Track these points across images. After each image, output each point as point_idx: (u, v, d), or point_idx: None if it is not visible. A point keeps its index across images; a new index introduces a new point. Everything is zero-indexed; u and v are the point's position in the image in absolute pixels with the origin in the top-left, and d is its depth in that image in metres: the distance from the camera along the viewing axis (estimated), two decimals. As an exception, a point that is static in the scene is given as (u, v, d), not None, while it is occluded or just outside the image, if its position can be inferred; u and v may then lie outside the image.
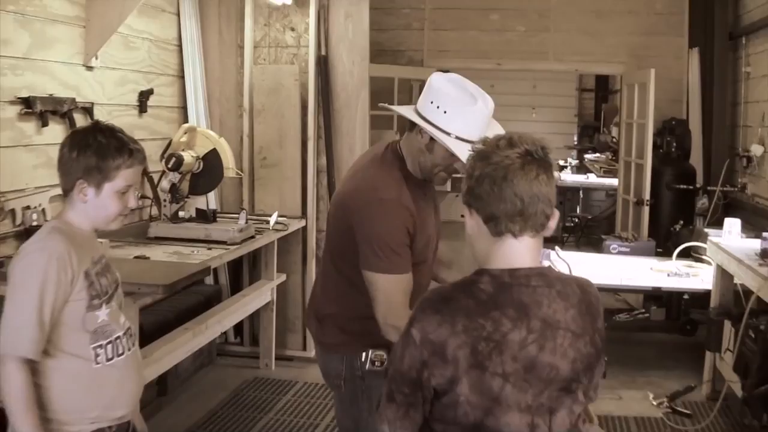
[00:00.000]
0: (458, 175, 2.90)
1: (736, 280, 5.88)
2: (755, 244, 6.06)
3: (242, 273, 7.15)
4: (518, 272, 2.23)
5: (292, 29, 7.05)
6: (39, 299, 2.75)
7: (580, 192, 13.67)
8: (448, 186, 10.97)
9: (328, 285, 3.48)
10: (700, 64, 9.50)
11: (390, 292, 3.12)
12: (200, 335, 5.34)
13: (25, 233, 5.04)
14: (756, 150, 8.09)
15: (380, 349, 3.25)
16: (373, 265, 3.14)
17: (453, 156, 3.16)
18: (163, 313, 5.88)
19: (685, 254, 7.02)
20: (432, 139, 3.18)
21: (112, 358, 2.97)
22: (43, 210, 5.25)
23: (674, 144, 9.12)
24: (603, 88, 19.86)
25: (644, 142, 9.02)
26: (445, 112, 3.14)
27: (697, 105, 9.55)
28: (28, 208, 5.13)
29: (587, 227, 12.92)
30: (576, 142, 20.32)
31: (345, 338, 3.39)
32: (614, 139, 17.03)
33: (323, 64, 7.01)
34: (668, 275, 6.74)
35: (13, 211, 5.03)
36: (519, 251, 2.26)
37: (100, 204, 2.95)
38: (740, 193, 8.52)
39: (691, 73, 9.63)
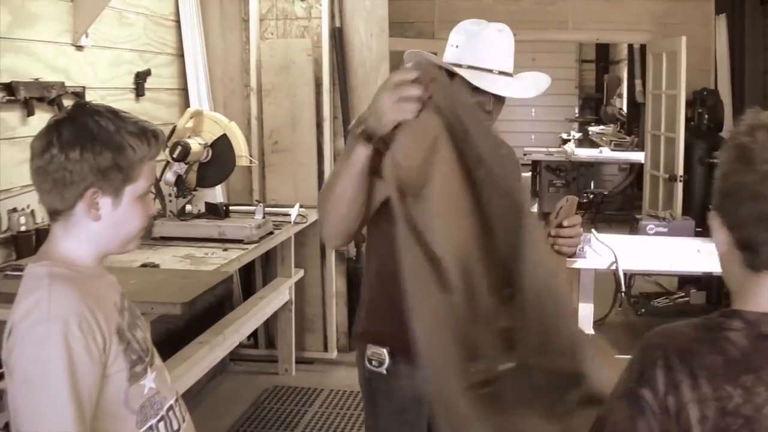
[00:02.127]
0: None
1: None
2: None
3: (254, 270, 6.54)
4: None
5: (302, -1, 6.41)
6: (71, 393, 1.89)
7: (593, 167, 13.08)
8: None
9: None
10: (728, 31, 9.01)
11: None
12: (217, 348, 4.71)
13: (13, 241, 4.44)
14: (788, 123, 7.52)
15: (379, 345, 2.80)
16: None
17: (475, 91, 2.77)
18: (173, 320, 5.21)
19: (726, 233, 6.55)
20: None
21: None
22: (32, 212, 4.61)
23: (706, 116, 8.66)
24: (604, 58, 19.71)
25: (675, 115, 8.49)
26: (456, 46, 2.90)
27: (726, 74, 9.04)
28: (14, 210, 4.50)
29: (602, 203, 12.48)
30: (577, 115, 19.97)
31: (356, 329, 3.04)
32: (621, 111, 16.63)
33: (338, 37, 6.41)
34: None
35: (-3, 216, 4.37)
36: None
37: (120, 218, 2.09)
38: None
39: (718, 40, 9.10)
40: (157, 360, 2.24)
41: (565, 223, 2.68)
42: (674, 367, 1.61)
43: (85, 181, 2.02)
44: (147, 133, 2.10)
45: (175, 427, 2.21)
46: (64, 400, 1.88)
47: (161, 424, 2.15)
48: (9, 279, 3.97)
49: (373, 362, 2.80)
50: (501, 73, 2.85)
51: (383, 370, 2.78)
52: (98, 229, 2.09)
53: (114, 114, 2.08)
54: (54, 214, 2.10)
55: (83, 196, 2.04)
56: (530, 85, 2.92)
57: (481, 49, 2.86)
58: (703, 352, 1.62)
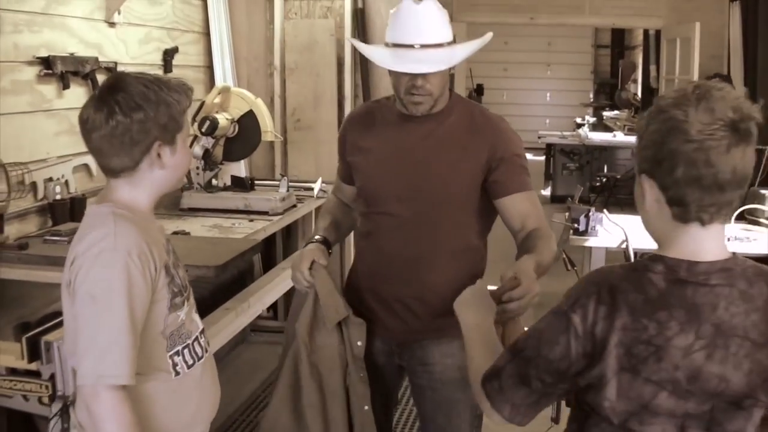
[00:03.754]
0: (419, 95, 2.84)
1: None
2: None
3: (275, 244, 6.70)
4: (698, 267, 1.88)
5: (325, -20, 6.58)
6: (128, 311, 2.20)
7: (606, 151, 13.20)
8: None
9: None
10: (742, 17, 9.11)
11: None
12: (243, 314, 4.86)
13: (49, 208, 4.62)
14: (803, 108, 7.66)
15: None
16: None
17: (408, 76, 2.83)
18: (198, 291, 5.40)
19: (739, 217, 6.65)
20: None
21: (192, 364, 2.45)
22: (66, 182, 4.80)
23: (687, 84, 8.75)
24: (619, 44, 19.72)
25: (689, 100, 8.62)
26: (388, 25, 2.93)
27: (740, 61, 9.16)
28: (50, 180, 4.67)
29: (615, 187, 12.58)
30: (592, 99, 20.08)
31: None
32: (636, 96, 16.73)
33: (360, 18, 6.55)
34: (728, 240, 6.32)
35: (34, 184, 4.56)
36: (705, 241, 1.90)
37: (177, 162, 2.39)
38: (789, 150, 8.12)
39: (732, 27, 9.22)
40: (192, 299, 2.53)
41: (504, 298, 2.63)
42: (604, 300, 1.87)
43: (150, 137, 2.28)
44: (184, 87, 2.38)
45: (199, 354, 2.49)
46: (122, 313, 2.18)
47: (186, 351, 2.43)
48: (48, 243, 4.19)
49: None
50: (423, 46, 2.79)
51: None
52: (162, 175, 2.37)
53: (152, 77, 2.36)
54: (118, 171, 2.34)
55: (150, 150, 2.30)
56: (438, 58, 2.82)
57: (400, 25, 2.84)
58: (628, 289, 1.87)
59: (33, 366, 3.10)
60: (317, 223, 3.28)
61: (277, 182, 5.70)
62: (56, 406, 3.02)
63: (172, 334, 2.39)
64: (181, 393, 2.42)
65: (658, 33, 10.80)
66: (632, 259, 5.88)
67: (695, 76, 8.51)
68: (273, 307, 6.72)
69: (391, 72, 2.90)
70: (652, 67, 13.09)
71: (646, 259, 1.94)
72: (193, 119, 5.41)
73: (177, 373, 2.39)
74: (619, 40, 19.53)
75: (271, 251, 6.73)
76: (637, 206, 2.01)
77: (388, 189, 3.02)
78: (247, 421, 5.17)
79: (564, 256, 5.32)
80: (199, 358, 2.49)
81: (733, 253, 1.94)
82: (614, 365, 1.86)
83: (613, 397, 1.88)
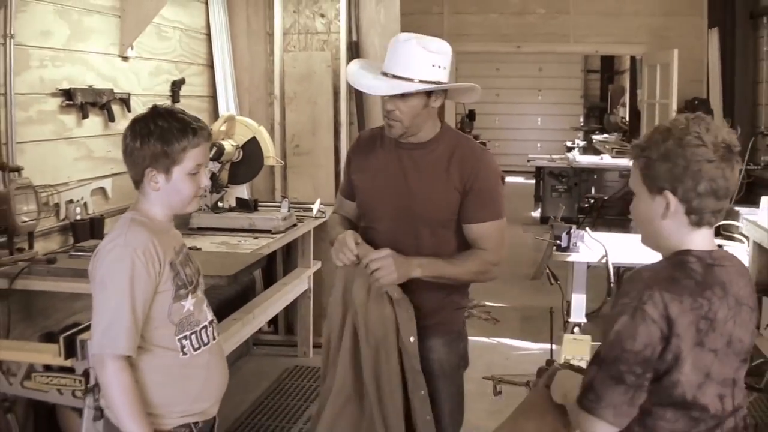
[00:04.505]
0: (390, 120, 3.28)
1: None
2: None
3: (275, 262, 7.09)
4: (714, 254, 2.35)
5: (322, 15, 6.98)
6: (130, 295, 2.68)
7: (594, 173, 13.59)
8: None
9: None
10: (720, 43, 9.56)
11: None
12: (248, 325, 5.29)
13: (71, 227, 5.02)
14: (779, 128, 8.11)
15: None
16: None
17: (383, 99, 3.30)
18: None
19: (715, 233, 7.00)
20: None
21: (198, 348, 2.90)
22: (85, 204, 5.19)
23: (676, 116, 9.11)
24: (608, 68, 19.99)
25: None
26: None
27: (718, 84, 9.59)
28: (71, 201, 5.07)
29: (602, 208, 12.95)
30: (582, 123, 20.42)
31: None
32: (624, 120, 17.11)
33: (354, 50, 6.94)
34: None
35: (57, 206, 4.97)
36: (707, 238, 2.37)
37: (172, 189, 2.84)
38: (764, 171, 8.52)
39: (710, 52, 9.64)
40: (200, 292, 3.00)
41: (364, 261, 3.23)
42: (667, 288, 2.22)
43: (144, 163, 2.80)
44: (188, 128, 2.81)
45: (206, 341, 2.95)
46: (124, 297, 2.68)
47: (193, 336, 2.89)
48: (73, 258, 4.61)
49: None
50: (394, 76, 3.22)
51: None
52: (159, 196, 2.86)
53: (170, 114, 2.87)
54: (135, 183, 2.89)
55: (144, 173, 2.82)
56: (390, 86, 3.23)
57: (388, 56, 3.30)
58: (681, 277, 2.25)
59: (68, 363, 3.52)
60: (330, 230, 3.63)
61: (279, 203, 6.11)
62: (89, 398, 3.42)
63: (181, 321, 2.86)
64: (188, 371, 2.87)
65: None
66: (612, 274, 6.31)
67: (674, 101, 8.91)
68: (273, 321, 7.12)
69: (381, 99, 3.37)
70: (640, 91, 13.49)
71: (677, 254, 2.32)
72: (209, 135, 5.82)
73: (184, 354, 2.86)
74: (608, 65, 19.85)
75: (271, 269, 7.12)
76: (640, 221, 2.43)
77: (381, 207, 3.48)
78: (252, 424, 5.53)
79: (548, 270, 5.71)
80: (205, 345, 2.94)
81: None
82: (689, 342, 2.21)
83: (689, 371, 2.22)
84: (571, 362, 3.09)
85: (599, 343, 2.39)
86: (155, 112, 2.86)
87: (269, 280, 6.98)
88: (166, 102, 6.28)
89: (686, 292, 2.22)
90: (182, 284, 2.85)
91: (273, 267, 7.14)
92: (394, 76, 3.23)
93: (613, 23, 10.06)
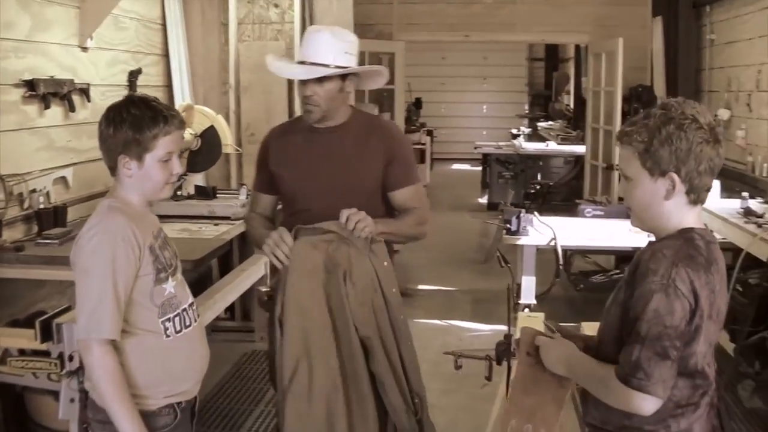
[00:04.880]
0: (309, 105, 3.55)
1: (718, 237, 6.12)
2: (734, 204, 6.46)
3: (232, 249, 7.18)
4: (708, 231, 2.51)
5: (276, 5, 7.11)
6: (112, 280, 2.74)
7: (540, 160, 13.81)
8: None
9: None
10: (664, 32, 9.79)
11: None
12: (209, 310, 5.38)
13: (35, 216, 5.10)
14: (723, 114, 8.37)
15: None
16: None
17: (302, 86, 3.60)
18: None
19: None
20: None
21: (180, 331, 2.96)
22: (47, 193, 5.28)
23: (641, 110, 9.29)
24: (553, 57, 20.17)
25: (613, 109, 9.29)
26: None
27: (661, 72, 9.83)
28: (34, 191, 5.15)
29: (548, 193, 13.17)
30: (527, 111, 20.64)
31: None
32: (568, 107, 17.37)
33: (308, 40, 7.03)
34: (648, 235, 6.90)
35: (21, 195, 5.05)
36: (700, 215, 2.51)
37: (145, 175, 2.89)
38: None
39: (654, 41, 9.88)
40: (179, 274, 3.07)
41: (342, 219, 3.40)
42: (688, 265, 2.34)
43: (117, 150, 2.87)
44: (159, 116, 2.88)
45: (187, 323, 3.01)
46: (106, 283, 2.74)
47: (176, 318, 2.95)
48: (40, 246, 4.71)
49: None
50: (312, 63, 3.53)
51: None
52: (131, 182, 2.91)
53: (143, 102, 2.93)
54: (110, 170, 2.94)
55: (117, 160, 2.88)
56: (311, 71, 3.53)
57: (303, 47, 3.62)
58: (695, 255, 2.38)
59: (44, 346, 3.62)
60: (254, 232, 3.84)
61: (236, 191, 6.23)
62: (66, 381, 3.52)
63: (163, 303, 2.91)
64: (171, 352, 2.94)
65: (587, 47, 11.43)
66: (560, 255, 6.52)
67: (619, 88, 9.13)
68: (230, 308, 7.21)
69: (297, 85, 3.72)
70: (584, 79, 13.70)
71: (682, 233, 2.44)
72: (182, 123, 5.92)
73: (167, 336, 2.92)
74: (552, 53, 20.07)
75: (227, 256, 7.20)
76: (639, 205, 2.51)
77: (312, 189, 3.69)
78: (215, 407, 5.65)
79: (498, 254, 5.87)
80: (187, 327, 3.01)
81: None
82: (705, 314, 2.36)
83: (702, 340, 2.38)
84: None
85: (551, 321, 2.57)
86: (129, 100, 2.95)
87: (225, 267, 7.08)
88: (123, 92, 6.38)
89: (701, 269, 2.36)
90: (162, 267, 2.92)
91: (229, 254, 7.23)
92: (312, 63, 3.53)
93: (559, 13, 10.24)
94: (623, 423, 2.46)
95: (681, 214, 2.45)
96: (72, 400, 3.48)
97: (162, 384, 2.92)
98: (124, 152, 2.86)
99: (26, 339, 3.69)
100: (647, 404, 2.32)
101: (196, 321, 3.10)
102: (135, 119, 2.84)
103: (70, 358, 3.50)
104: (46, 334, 3.58)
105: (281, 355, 3.41)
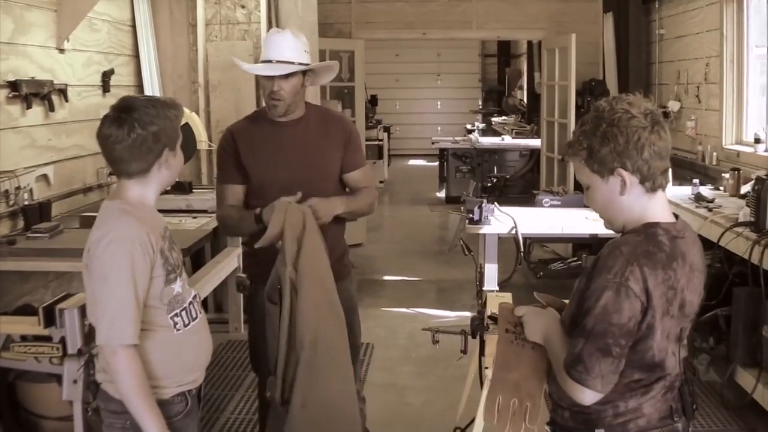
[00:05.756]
0: (275, 100, 3.89)
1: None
2: (686, 191, 6.84)
3: (203, 244, 7.38)
4: (677, 226, 2.53)
5: (243, 6, 7.32)
6: (133, 286, 2.82)
7: (496, 154, 14.10)
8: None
9: None
10: (615, 27, 10.14)
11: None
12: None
13: (21, 212, 5.29)
14: (673, 106, 8.72)
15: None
16: None
17: (267, 83, 3.93)
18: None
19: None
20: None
21: (188, 324, 3.06)
22: (31, 190, 5.47)
23: (594, 103, 9.61)
24: (505, 53, 20.45)
25: (567, 103, 9.59)
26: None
27: (613, 66, 10.17)
28: (18, 188, 5.33)
29: (505, 186, 13.45)
30: (480, 106, 20.94)
31: None
32: (522, 102, 17.65)
33: (275, 40, 7.25)
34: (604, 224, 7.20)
35: (6, 192, 5.24)
36: (665, 204, 2.56)
37: (177, 163, 3.03)
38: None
39: (606, 36, 10.20)
40: (184, 274, 3.19)
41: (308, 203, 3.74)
42: (645, 263, 2.38)
43: (161, 145, 2.93)
44: (176, 104, 3.04)
45: (193, 315, 3.11)
46: (127, 289, 2.82)
47: (183, 313, 3.05)
48: (31, 240, 4.91)
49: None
50: (278, 61, 3.88)
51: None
52: (167, 174, 3.03)
53: (149, 99, 3.05)
54: (134, 174, 2.95)
55: (161, 155, 2.95)
56: (281, 68, 3.87)
57: (268, 47, 3.95)
58: (654, 251, 2.41)
59: (46, 332, 3.83)
60: (236, 214, 4.08)
61: (211, 186, 6.43)
62: (69, 363, 3.73)
63: (171, 301, 3.00)
64: (182, 345, 3.07)
65: (540, 42, 11.70)
66: (521, 244, 6.81)
67: (573, 82, 9.43)
68: (203, 301, 7.39)
69: (261, 83, 4.06)
70: (537, 74, 13.96)
71: (646, 227, 2.48)
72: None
73: (177, 330, 3.04)
74: (505, 49, 20.36)
75: (200, 250, 7.39)
76: (601, 207, 2.58)
77: (284, 176, 4.00)
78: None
79: (461, 242, 6.13)
80: (194, 319, 3.15)
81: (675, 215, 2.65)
82: (660, 312, 2.39)
83: (659, 337, 2.42)
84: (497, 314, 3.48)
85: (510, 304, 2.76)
86: (136, 99, 3.03)
87: (197, 260, 7.26)
88: (97, 92, 6.58)
89: (659, 266, 2.39)
90: (171, 269, 2.99)
91: (202, 248, 7.42)
92: (278, 61, 3.88)
93: (514, 10, 10.50)
94: (573, 402, 2.52)
95: (643, 204, 2.49)
96: (75, 382, 3.69)
97: (174, 375, 3.03)
98: (168, 146, 2.95)
99: (29, 325, 3.89)
100: (585, 396, 2.43)
101: (200, 313, 3.22)
102: (165, 113, 2.94)
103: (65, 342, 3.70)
104: (49, 320, 3.79)
105: (296, 318, 3.54)
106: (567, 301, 2.77)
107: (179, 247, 3.22)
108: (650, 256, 2.40)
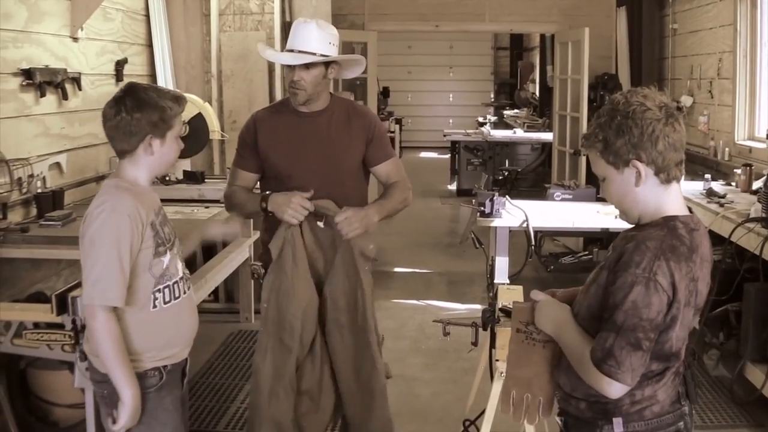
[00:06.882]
0: (295, 89, 3.92)
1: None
2: (698, 186, 6.82)
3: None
4: (694, 218, 2.57)
5: (256, -4, 7.33)
6: (117, 251, 3.01)
7: (508, 147, 14.09)
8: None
9: None
10: (628, 21, 10.14)
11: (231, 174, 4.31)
12: (200, 290, 5.61)
13: (35, 199, 5.31)
14: (686, 101, 8.71)
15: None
16: None
17: (289, 71, 3.98)
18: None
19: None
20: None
21: (169, 301, 3.22)
22: (44, 178, 5.50)
23: (606, 97, 9.61)
24: (518, 46, 20.47)
25: (579, 97, 9.58)
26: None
27: (626, 60, 10.17)
28: (32, 176, 5.36)
29: (516, 180, 13.43)
30: (493, 99, 20.91)
31: None
32: (534, 95, 17.65)
33: (288, 30, 7.21)
34: (615, 217, 7.18)
35: (20, 180, 5.25)
36: (680, 196, 2.59)
37: (165, 152, 3.20)
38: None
39: (619, 30, 10.19)
40: (176, 249, 3.33)
41: (337, 219, 3.84)
42: (670, 257, 2.41)
43: (144, 131, 3.12)
44: (177, 97, 3.24)
45: (177, 294, 3.27)
46: (111, 254, 3.02)
47: (167, 290, 3.22)
48: (44, 227, 4.94)
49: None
50: (300, 51, 3.91)
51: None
52: (152, 160, 3.20)
53: (154, 88, 3.26)
54: (122, 153, 3.19)
55: (143, 140, 3.14)
56: (302, 58, 3.90)
57: (292, 36, 4.00)
58: (677, 245, 2.44)
59: (59, 319, 3.86)
60: (243, 197, 4.16)
61: (223, 176, 6.45)
62: (81, 350, 3.76)
63: (160, 274, 3.18)
64: (158, 323, 3.21)
65: (553, 36, 11.68)
66: (532, 237, 6.81)
67: (585, 76, 9.43)
68: (214, 291, 7.42)
69: (284, 72, 4.17)
70: (549, 67, 14.00)
71: (666, 221, 2.51)
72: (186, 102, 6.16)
73: (155, 307, 3.19)
74: (517, 42, 20.38)
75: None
76: (617, 199, 2.61)
77: (303, 167, 4.05)
78: (207, 384, 5.88)
79: (473, 235, 6.14)
80: (176, 298, 3.27)
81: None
82: (683, 303, 2.44)
83: (679, 328, 2.47)
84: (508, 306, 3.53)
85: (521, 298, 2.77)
86: (141, 86, 3.21)
87: (209, 250, 7.28)
88: (110, 80, 6.60)
89: (683, 259, 2.43)
90: (161, 242, 3.19)
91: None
92: (300, 51, 3.91)
93: (527, 2, 10.50)
94: (590, 392, 2.57)
95: (658, 196, 2.52)
96: (81, 360, 3.74)
97: (149, 350, 3.19)
98: (152, 132, 3.12)
99: (43, 312, 3.92)
100: (614, 389, 2.44)
101: (185, 293, 3.34)
102: (158, 101, 3.13)
103: (83, 328, 3.73)
104: (62, 307, 3.81)
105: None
106: (570, 290, 2.86)
107: (171, 225, 3.38)
108: (674, 251, 2.43)
